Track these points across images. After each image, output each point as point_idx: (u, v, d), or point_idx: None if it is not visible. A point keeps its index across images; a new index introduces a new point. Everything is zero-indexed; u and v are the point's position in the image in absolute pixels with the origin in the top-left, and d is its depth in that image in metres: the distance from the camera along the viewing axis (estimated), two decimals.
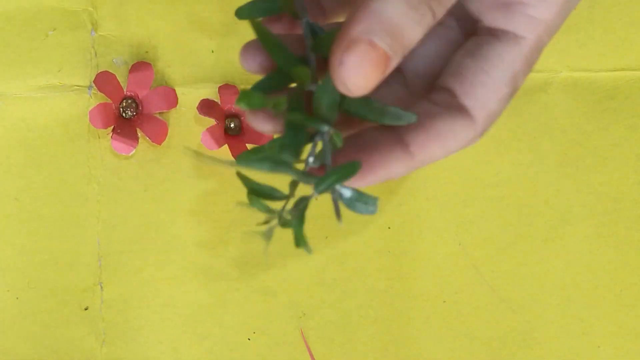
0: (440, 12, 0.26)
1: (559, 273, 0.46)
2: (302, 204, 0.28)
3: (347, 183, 0.27)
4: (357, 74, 0.24)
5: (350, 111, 0.28)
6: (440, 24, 0.31)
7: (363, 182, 0.28)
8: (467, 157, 0.46)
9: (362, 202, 0.28)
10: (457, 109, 0.29)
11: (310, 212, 0.47)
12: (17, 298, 0.45)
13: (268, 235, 0.30)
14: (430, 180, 0.46)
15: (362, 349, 0.45)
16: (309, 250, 0.28)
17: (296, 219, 0.28)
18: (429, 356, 0.45)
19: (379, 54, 0.24)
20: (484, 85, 0.29)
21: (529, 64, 0.29)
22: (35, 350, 0.44)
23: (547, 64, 0.46)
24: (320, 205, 0.46)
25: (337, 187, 0.27)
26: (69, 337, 0.45)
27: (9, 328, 0.44)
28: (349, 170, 0.27)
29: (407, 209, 0.46)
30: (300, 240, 0.28)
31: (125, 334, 0.45)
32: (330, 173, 0.27)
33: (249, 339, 0.45)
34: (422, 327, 0.45)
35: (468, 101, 0.29)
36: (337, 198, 0.27)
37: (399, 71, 0.31)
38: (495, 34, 0.29)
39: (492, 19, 0.29)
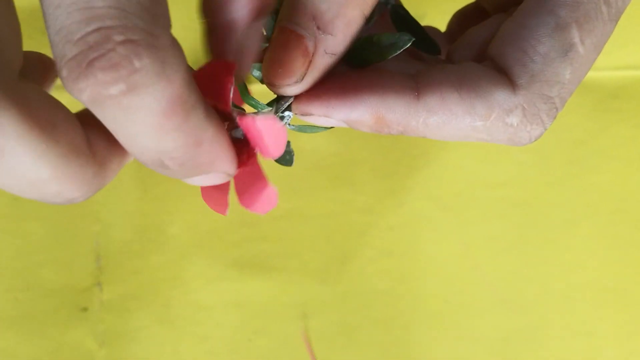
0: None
1: (562, 274, 0.45)
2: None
3: (332, 109, 0.24)
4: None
5: (355, 57, 0.25)
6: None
7: (350, 108, 0.23)
8: (469, 157, 0.46)
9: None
10: (492, 67, 0.23)
11: (310, 212, 0.47)
12: (16, 298, 0.45)
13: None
14: (432, 181, 0.46)
15: (364, 349, 0.45)
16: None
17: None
18: (431, 357, 0.45)
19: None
20: (521, 38, 0.22)
21: (584, 15, 0.23)
22: (35, 350, 0.44)
23: None
24: (320, 205, 0.46)
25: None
26: (68, 338, 0.44)
27: (9, 328, 0.44)
28: None
29: (409, 210, 0.45)
30: None
31: (125, 335, 0.44)
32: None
33: (249, 340, 0.45)
34: (424, 327, 0.45)
35: (504, 60, 0.23)
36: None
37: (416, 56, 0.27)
38: None
39: None
